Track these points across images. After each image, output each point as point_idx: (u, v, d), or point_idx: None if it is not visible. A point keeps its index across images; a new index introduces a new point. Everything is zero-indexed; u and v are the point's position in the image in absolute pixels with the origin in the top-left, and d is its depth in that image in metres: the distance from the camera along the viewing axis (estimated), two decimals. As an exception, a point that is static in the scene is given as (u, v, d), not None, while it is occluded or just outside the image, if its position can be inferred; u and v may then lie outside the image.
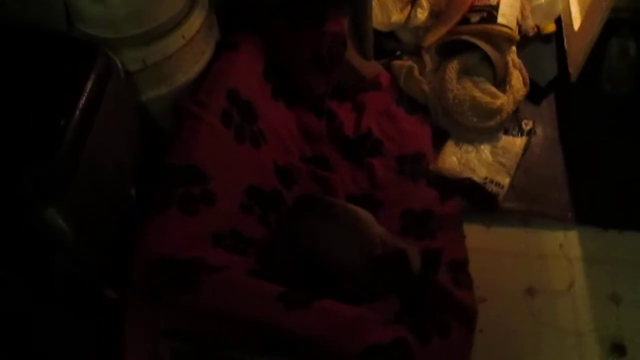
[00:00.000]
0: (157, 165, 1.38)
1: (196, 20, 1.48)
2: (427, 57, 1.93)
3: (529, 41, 2.04)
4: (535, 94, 1.94)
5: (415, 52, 1.97)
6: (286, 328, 1.13)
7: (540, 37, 2.05)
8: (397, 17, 1.94)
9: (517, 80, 1.88)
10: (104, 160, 1.28)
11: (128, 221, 1.33)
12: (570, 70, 1.89)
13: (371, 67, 1.93)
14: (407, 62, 1.93)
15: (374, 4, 1.82)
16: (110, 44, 1.32)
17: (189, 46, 1.47)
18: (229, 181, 1.45)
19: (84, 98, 1.19)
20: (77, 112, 1.17)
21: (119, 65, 1.33)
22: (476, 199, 1.75)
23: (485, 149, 1.82)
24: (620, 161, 1.82)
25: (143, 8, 1.35)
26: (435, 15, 1.97)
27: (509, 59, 1.90)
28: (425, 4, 1.95)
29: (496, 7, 1.87)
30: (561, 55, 1.98)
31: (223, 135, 1.47)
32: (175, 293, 1.16)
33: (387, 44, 2.00)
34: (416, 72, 1.89)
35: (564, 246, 1.69)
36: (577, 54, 1.87)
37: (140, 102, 1.44)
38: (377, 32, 1.91)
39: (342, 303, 1.23)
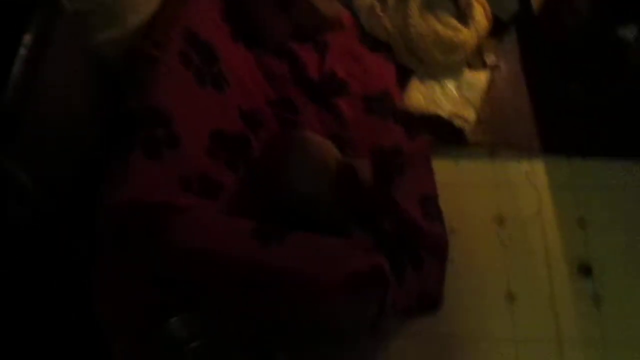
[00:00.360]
0: (116, 110, 1.32)
1: (146, -45, 1.40)
2: (388, -6, 1.89)
3: (489, -26, 2.01)
4: (498, 28, 1.93)
5: (376, -11, 1.93)
6: (262, 264, 1.12)
7: (502, -30, 2.03)
8: (356, -47, 1.89)
9: (480, 15, 1.86)
10: (55, 104, 1.22)
11: (89, 167, 1.27)
12: (532, 2, 1.89)
13: (332, 7, 1.88)
14: (368, 0, 1.88)
15: (332, -61, 1.77)
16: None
17: (139, -17, 1.40)
18: (193, 124, 1.40)
19: (30, 36, 1.11)
20: (23, 51, 1.09)
21: (67, 3, 1.25)
22: (443, 134, 1.75)
23: (450, 85, 1.81)
24: (583, 91, 1.83)
25: (87, -59, 1.26)
26: (395, -50, 1.92)
27: (471, -8, 1.88)
28: (384, -62, 1.90)
29: (456, -61, 1.84)
30: (523, -11, 1.97)
31: (183, 77, 1.41)
32: (146, 236, 1.13)
33: (347, -19, 1.95)
34: (378, 9, 1.85)
35: (530, 175, 1.71)
36: (537, -14, 1.86)
37: (92, 45, 1.37)
38: (336, -30, 1.85)
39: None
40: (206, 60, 1.50)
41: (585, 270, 1.56)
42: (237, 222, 1.22)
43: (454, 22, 1.82)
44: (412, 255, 1.54)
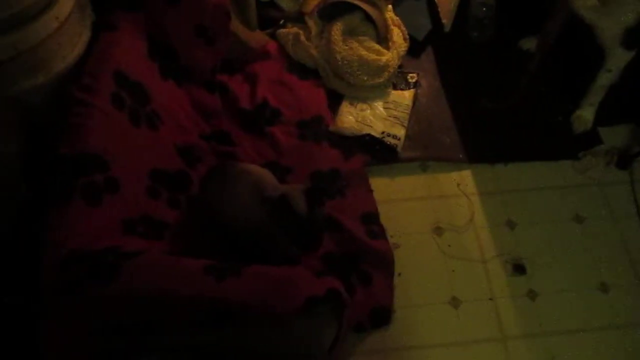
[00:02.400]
0: (47, 158, 1.28)
1: (68, 0, 1.37)
2: (311, 22, 1.96)
3: (402, -1, 2.14)
4: (415, 48, 2.05)
5: (299, 19, 1.99)
6: (220, 298, 1.11)
7: (412, -6, 2.15)
8: (275, -15, 1.94)
9: (398, 37, 1.97)
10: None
11: (21, 219, 1.23)
12: (444, 21, 2.02)
13: (257, 37, 1.92)
14: (293, 29, 1.94)
15: (252, -27, 1.81)
16: (-26, 31, 1.20)
17: (63, 28, 1.37)
18: (131, 166, 1.39)
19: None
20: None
21: (-13, 53, 1.20)
22: (377, 153, 1.82)
23: (379, 105, 1.89)
24: (495, 101, 1.97)
25: (7, -11, 1.23)
26: (313, -19, 2.00)
27: (388, 16, 1.98)
28: (301, -30, 1.97)
29: (369, -32, 1.94)
30: (433, 9, 2.10)
31: (117, 119, 1.40)
32: (94, 285, 1.10)
33: (270, 13, 2.00)
34: (303, 38, 1.92)
35: (461, 184, 1.82)
36: (446, 7, 1.99)
37: (19, 92, 1.32)
38: (258, 2, 1.90)
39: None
40: (138, 100, 1.49)
41: (519, 268, 1.67)
42: (188, 261, 1.21)
43: (376, 46, 1.91)
44: (360, 273, 1.58)
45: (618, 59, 1.72)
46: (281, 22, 2.01)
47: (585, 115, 1.90)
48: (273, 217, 1.42)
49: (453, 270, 1.66)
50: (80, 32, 1.46)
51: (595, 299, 1.64)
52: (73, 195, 1.22)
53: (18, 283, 1.23)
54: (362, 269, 1.59)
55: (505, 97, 1.96)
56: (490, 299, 1.62)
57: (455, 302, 1.61)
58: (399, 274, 1.62)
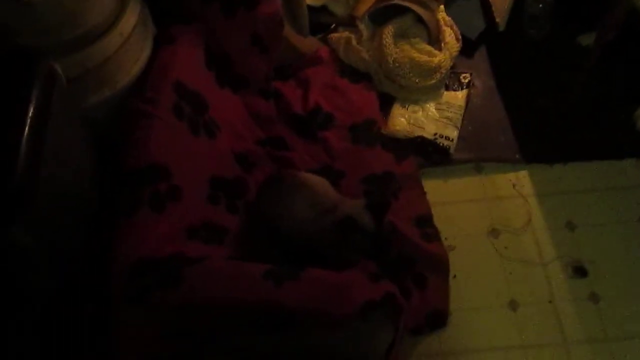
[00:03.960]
0: (115, 169, 1.35)
1: (131, 16, 1.44)
2: (362, 26, 1.97)
3: (454, -1, 2.11)
4: (468, 48, 2.03)
5: (350, 23, 2.01)
6: (280, 303, 1.15)
7: (465, -7, 2.13)
8: (327, -10, 1.97)
9: (450, 37, 1.95)
10: (62, 171, 1.24)
11: (94, 229, 1.30)
12: (497, 20, 1.99)
13: (310, 43, 1.95)
14: (344, 34, 1.96)
15: (304, -20, 1.84)
16: (47, 51, 1.27)
17: (127, 44, 1.44)
18: (192, 174, 1.44)
19: (32, 110, 1.14)
20: (27, 125, 1.12)
21: (60, 71, 1.28)
22: (430, 155, 1.82)
23: (431, 107, 1.88)
24: (554, 99, 1.93)
25: (75, 11, 1.30)
26: (363, -15, 2.01)
27: (439, 17, 1.97)
28: (352, -25, 1.98)
29: (420, -31, 1.93)
30: (486, 8, 2.07)
31: (178, 129, 1.46)
32: (161, 292, 1.16)
33: (321, 19, 2.02)
34: (354, 42, 1.93)
35: (517, 185, 1.79)
36: (500, 5, 1.96)
37: (86, 107, 1.40)
38: (310, 8, 1.93)
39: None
40: (197, 109, 1.55)
41: (580, 271, 1.63)
42: (248, 266, 1.25)
43: (427, 47, 1.90)
44: (415, 276, 1.59)
45: None
46: (332, 26, 2.03)
47: (649, 112, 1.83)
48: (341, 236, 1.43)
49: (510, 273, 1.64)
50: (142, 46, 1.52)
51: (661, 304, 1.58)
52: (140, 203, 1.28)
53: (90, 291, 1.30)
54: (417, 272, 1.59)
55: (563, 95, 1.91)
56: (550, 302, 1.59)
57: (513, 305, 1.59)
58: (454, 277, 1.62)
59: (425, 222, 1.69)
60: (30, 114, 1.13)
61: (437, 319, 1.56)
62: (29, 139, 1.11)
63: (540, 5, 2.05)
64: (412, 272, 1.59)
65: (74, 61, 1.33)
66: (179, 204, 1.36)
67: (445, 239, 1.67)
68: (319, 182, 1.57)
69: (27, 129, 1.11)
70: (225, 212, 1.52)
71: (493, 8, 2.02)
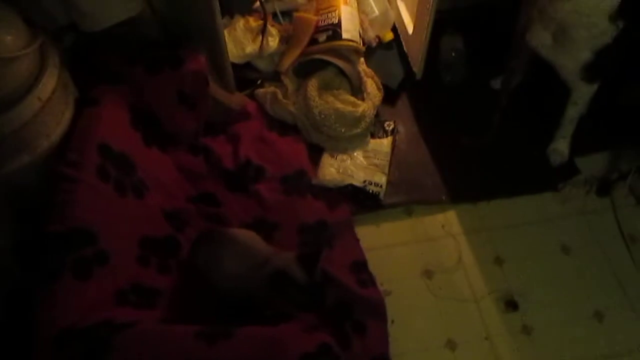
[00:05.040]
0: (37, 235, 1.30)
1: (50, 80, 1.42)
2: (287, 80, 2.02)
3: (373, 50, 2.21)
4: (389, 96, 2.11)
5: (275, 78, 2.05)
6: (214, 364, 1.12)
7: (383, 45, 2.23)
8: (250, 48, 2.02)
9: (372, 87, 2.03)
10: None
11: (16, 300, 1.23)
12: (414, 69, 2.09)
13: (237, 99, 1.98)
14: (270, 88, 2.00)
15: (227, 39, 1.88)
16: (-40, 119, 1.24)
17: (46, 108, 1.41)
18: (120, 236, 1.41)
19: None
20: None
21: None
22: (361, 201, 1.86)
23: (359, 155, 1.94)
24: (473, 140, 2.02)
25: (-11, 76, 1.28)
26: (286, 41, 2.08)
27: (360, 69, 2.05)
28: (274, 31, 2.05)
29: (339, 25, 2.02)
30: (404, 58, 2.18)
31: (103, 191, 1.43)
32: (90, 361, 1.11)
33: (247, 75, 2.07)
34: (280, 96, 1.98)
35: (446, 225, 1.85)
36: (416, 55, 2.07)
37: (5, 173, 1.35)
38: (235, 65, 1.96)
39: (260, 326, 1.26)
40: (123, 170, 1.53)
41: (511, 304, 1.68)
42: (179, 328, 1.22)
43: (351, 98, 1.97)
44: (354, 323, 1.58)
45: (582, 92, 1.79)
46: (258, 82, 2.07)
47: (560, 147, 1.96)
48: (273, 290, 1.43)
49: (446, 312, 1.67)
50: (63, 110, 1.50)
51: (592, 328, 1.66)
52: (63, 271, 1.23)
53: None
54: (355, 319, 1.59)
55: (481, 136, 2.02)
56: (486, 338, 1.63)
57: (451, 345, 1.62)
58: (392, 321, 1.63)
59: (360, 268, 1.70)
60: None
61: (379, 365, 1.55)
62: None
63: (453, 54, 2.18)
64: (351, 320, 1.59)
65: (-12, 128, 1.30)
66: (106, 268, 1.32)
67: (381, 284, 1.69)
68: (249, 237, 1.57)
69: None
70: (157, 273, 1.49)
71: (410, 58, 2.13)
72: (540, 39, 1.70)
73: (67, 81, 1.55)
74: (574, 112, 1.87)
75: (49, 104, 1.42)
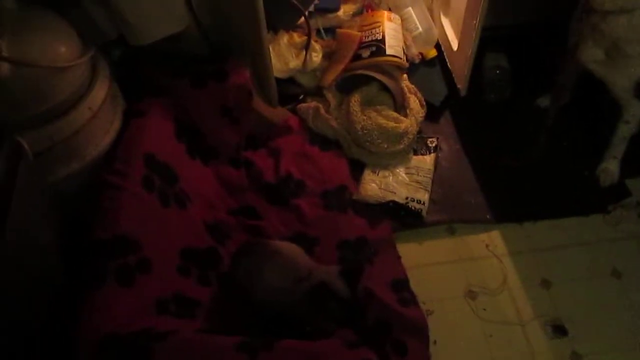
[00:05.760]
0: (83, 243, 1.32)
1: (100, 91, 1.46)
2: (329, 96, 2.02)
3: (416, 67, 2.20)
4: (432, 113, 2.09)
5: (317, 93, 2.06)
6: (254, 376, 1.10)
7: (425, 62, 2.22)
8: (294, 63, 2.03)
9: (415, 103, 2.01)
10: (25, 247, 1.21)
11: (60, 305, 1.25)
12: (459, 86, 2.06)
13: (279, 113, 1.99)
14: (312, 103, 2.01)
15: (271, 53, 1.90)
16: (14, 125, 1.27)
17: (96, 118, 1.45)
18: (162, 246, 1.42)
19: (-5, 184, 1.12)
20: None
21: (26, 146, 1.27)
22: (402, 219, 1.82)
23: (401, 171, 1.91)
24: (518, 159, 1.97)
25: (43, 86, 1.32)
26: (329, 56, 2.09)
27: (404, 85, 2.04)
28: (317, 47, 2.06)
29: (382, 41, 2.02)
30: (447, 75, 2.16)
31: (147, 201, 1.44)
32: (131, 368, 1.10)
33: (290, 90, 2.08)
34: (322, 111, 1.97)
35: (490, 246, 1.79)
36: (460, 72, 2.04)
37: (54, 180, 1.38)
38: (278, 80, 1.98)
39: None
40: (167, 180, 1.55)
41: (559, 330, 1.61)
42: (220, 339, 1.20)
43: (394, 113, 1.95)
44: (394, 343, 1.54)
45: (634, 110, 1.73)
46: (301, 97, 2.08)
47: (611, 167, 1.89)
48: (314, 303, 1.41)
49: (491, 335, 1.61)
50: (111, 119, 1.54)
51: (642, 357, 1.57)
52: (107, 277, 1.24)
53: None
54: (396, 339, 1.54)
55: (526, 155, 1.97)
56: (533, 363, 1.56)
57: (495, 369, 1.56)
58: (434, 342, 1.58)
59: (401, 286, 1.66)
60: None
61: (420, 387, 1.51)
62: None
63: (498, 72, 2.14)
64: (391, 339, 1.54)
65: (41, 135, 1.33)
66: (148, 277, 1.33)
67: (423, 303, 1.64)
68: (292, 250, 1.55)
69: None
70: (197, 283, 1.49)
71: (454, 75, 2.11)
72: (592, 56, 1.65)
73: (115, 93, 1.59)
74: (625, 131, 1.81)
75: (99, 114, 1.46)
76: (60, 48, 1.35)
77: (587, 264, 1.75)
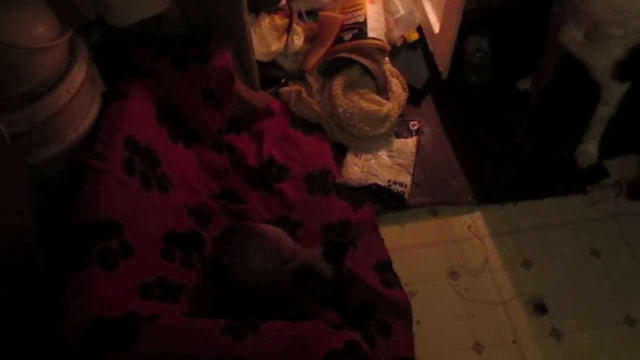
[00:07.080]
0: (65, 226, 1.30)
1: (79, 73, 1.43)
2: (311, 79, 2.01)
3: (398, 50, 2.20)
4: (415, 96, 2.09)
5: (300, 77, 2.05)
6: (240, 358, 1.10)
7: (408, 45, 2.22)
8: (275, 46, 2.01)
9: (397, 87, 2.02)
10: (3, 228, 1.19)
11: (41, 288, 1.23)
12: (440, 69, 2.07)
13: (261, 97, 1.97)
14: (294, 87, 2.00)
15: (253, 36, 1.88)
16: (-8, 107, 1.24)
17: (75, 100, 1.42)
18: (145, 229, 1.41)
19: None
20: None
21: (2, 128, 1.24)
22: (385, 201, 1.83)
23: (383, 154, 1.92)
24: (499, 141, 1.99)
25: (21, 67, 1.29)
26: (311, 39, 2.08)
27: (386, 68, 2.04)
28: (299, 30, 2.04)
29: (364, 24, 2.01)
30: (429, 58, 2.16)
31: (129, 184, 1.42)
32: (117, 351, 1.10)
33: (272, 73, 2.06)
34: (304, 95, 1.97)
35: (472, 227, 1.81)
36: (442, 55, 2.05)
37: (32, 163, 1.36)
38: (260, 63, 1.96)
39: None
40: (149, 164, 1.53)
41: (540, 308, 1.64)
42: (205, 322, 1.20)
43: (376, 97, 1.96)
44: (379, 324, 1.56)
45: (613, 91, 1.76)
46: (283, 80, 2.07)
47: (589, 149, 1.92)
48: (299, 285, 1.41)
49: (472, 314, 1.63)
50: (91, 102, 1.51)
51: (623, 333, 1.61)
52: (90, 261, 1.23)
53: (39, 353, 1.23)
54: (380, 320, 1.56)
55: (508, 137, 1.99)
56: (514, 342, 1.59)
57: (478, 347, 1.58)
58: (418, 322, 1.59)
59: (385, 268, 1.67)
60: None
61: (404, 367, 1.52)
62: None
63: (479, 54, 2.15)
64: (375, 320, 1.56)
65: (19, 117, 1.31)
66: (131, 261, 1.31)
67: (406, 284, 1.66)
68: (276, 233, 1.55)
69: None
70: (181, 267, 1.48)
71: (436, 58, 2.11)
72: (572, 37, 1.67)
73: (95, 75, 1.56)
74: (604, 112, 1.84)
75: (78, 96, 1.43)
76: (37, 28, 1.32)
77: (567, 243, 1.78)
